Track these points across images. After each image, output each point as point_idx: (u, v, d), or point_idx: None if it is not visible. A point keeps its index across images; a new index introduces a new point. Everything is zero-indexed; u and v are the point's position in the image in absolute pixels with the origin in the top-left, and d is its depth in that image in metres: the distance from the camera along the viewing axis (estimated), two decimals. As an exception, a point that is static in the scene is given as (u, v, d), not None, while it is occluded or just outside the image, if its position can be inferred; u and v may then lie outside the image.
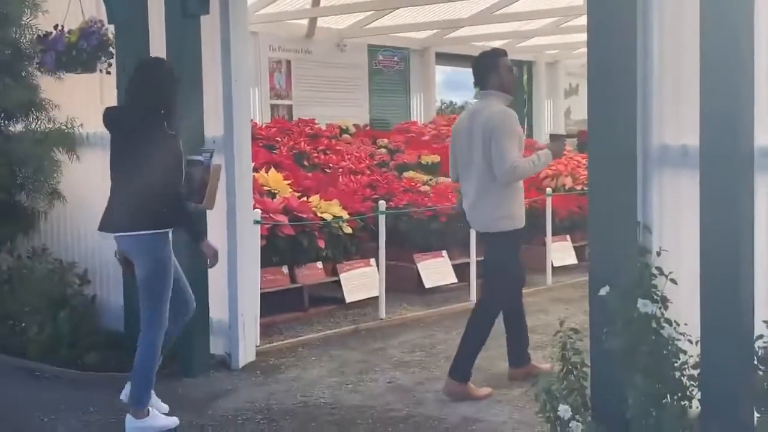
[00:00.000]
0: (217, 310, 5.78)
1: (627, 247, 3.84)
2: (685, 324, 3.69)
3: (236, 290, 5.76)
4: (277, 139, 9.12)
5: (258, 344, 6.02)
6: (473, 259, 7.85)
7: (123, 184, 4.48)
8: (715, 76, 3.49)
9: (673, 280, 3.71)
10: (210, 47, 5.69)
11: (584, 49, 13.33)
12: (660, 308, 3.59)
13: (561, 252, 9.20)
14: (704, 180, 3.55)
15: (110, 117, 4.68)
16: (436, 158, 9.82)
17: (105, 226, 4.57)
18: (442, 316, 7.26)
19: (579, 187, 9.83)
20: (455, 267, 8.22)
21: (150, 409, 4.54)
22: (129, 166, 4.45)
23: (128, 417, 4.51)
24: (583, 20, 11.87)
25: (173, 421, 4.61)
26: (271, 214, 6.70)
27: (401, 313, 7.27)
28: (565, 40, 13.59)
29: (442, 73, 14.18)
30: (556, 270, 8.81)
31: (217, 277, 5.75)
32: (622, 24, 3.92)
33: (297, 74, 10.93)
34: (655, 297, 3.63)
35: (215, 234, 5.69)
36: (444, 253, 8.20)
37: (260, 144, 8.95)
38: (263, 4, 10.39)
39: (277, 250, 6.79)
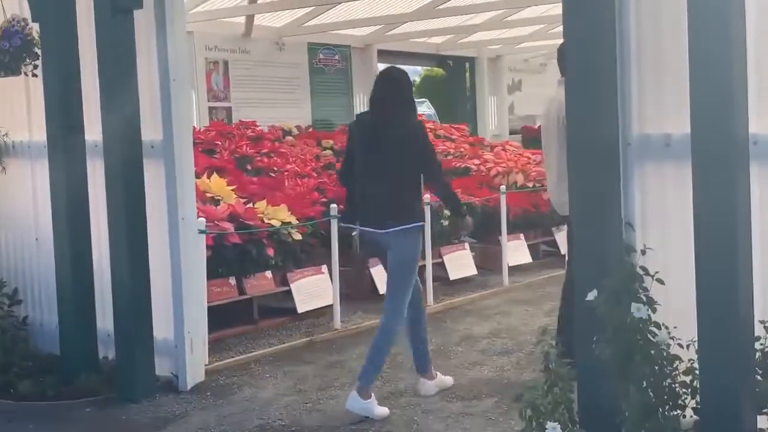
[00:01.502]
0: (162, 328, 5.36)
1: (613, 246, 3.56)
2: (675, 327, 3.43)
3: (182, 306, 5.35)
4: (217, 142, 8.68)
5: (207, 363, 5.62)
6: (429, 261, 7.54)
7: (386, 182, 4.72)
8: (707, 59, 3.21)
9: (659, 280, 3.45)
10: (145, 45, 5.28)
11: (527, 44, 13.17)
12: (649, 311, 3.31)
13: (516, 251, 8.95)
14: (698, 172, 3.28)
15: (364, 122, 4.98)
16: (384, 158, 9.48)
17: (370, 223, 4.82)
18: (400, 324, 6.91)
19: (531, 184, 9.60)
20: (409, 271, 7.89)
21: (372, 394, 4.74)
22: (395, 164, 4.72)
23: (353, 395, 4.69)
24: (526, 14, 11.71)
25: (385, 411, 4.74)
26: (216, 222, 6.28)
27: (357, 322, 6.91)
28: (509, 35, 13.40)
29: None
30: (511, 270, 8.55)
31: (160, 292, 5.35)
32: (598, 3, 3.62)
33: (235, 75, 10.47)
34: (644, 299, 3.36)
35: (156, 246, 5.29)
36: (397, 256, 7.85)
37: (200, 149, 8.49)
38: (197, 2, 9.94)
39: (224, 260, 6.38)
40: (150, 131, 5.33)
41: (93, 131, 5.37)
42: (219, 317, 6.36)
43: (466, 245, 8.62)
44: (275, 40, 11.11)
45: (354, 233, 5.18)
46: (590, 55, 3.64)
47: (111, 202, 5.17)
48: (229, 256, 6.39)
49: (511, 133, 14.65)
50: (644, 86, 3.69)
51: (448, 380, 5.22)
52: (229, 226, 6.34)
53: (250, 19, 10.70)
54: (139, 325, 5.21)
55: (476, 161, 10.08)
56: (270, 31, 11.33)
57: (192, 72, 10.03)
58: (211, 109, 10.14)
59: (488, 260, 9.05)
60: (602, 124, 3.62)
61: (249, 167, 8.45)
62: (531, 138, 13.85)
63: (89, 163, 5.42)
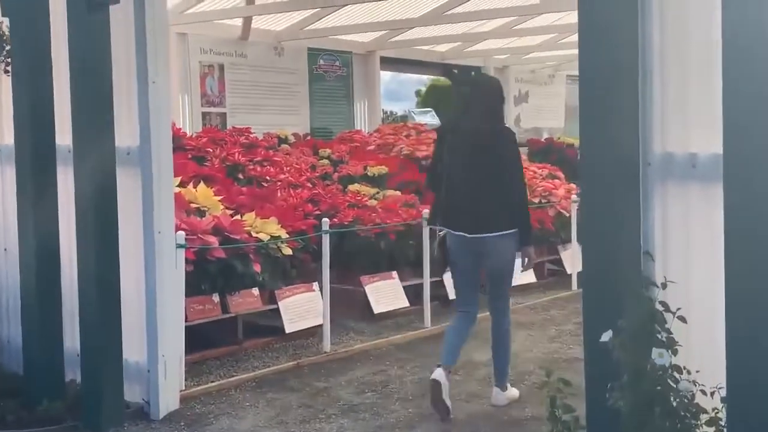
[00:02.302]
0: (133, 350, 4.95)
1: (630, 279, 3.13)
2: (697, 371, 3.02)
3: (156, 326, 4.92)
4: (209, 149, 8.27)
5: (183, 388, 5.20)
6: (427, 279, 7.12)
7: (481, 189, 4.88)
8: (744, 69, 2.79)
9: (681, 318, 3.04)
10: (122, 43, 4.88)
11: (535, 54, 12.63)
12: (671, 357, 2.89)
13: (519, 270, 8.49)
14: (730, 197, 2.85)
15: (458, 128, 5.04)
16: (383, 169, 9.08)
17: (467, 229, 4.92)
18: (395, 347, 6.49)
19: (536, 200, 9.18)
20: (407, 289, 7.48)
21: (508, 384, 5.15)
22: (492, 171, 4.87)
23: (496, 390, 5.11)
24: (537, 22, 11.30)
25: (516, 392, 5.20)
26: (199, 235, 5.87)
27: (348, 345, 6.49)
28: (517, 44, 12.99)
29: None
30: (513, 290, 8.09)
31: (133, 311, 4.93)
32: (620, 12, 3.21)
33: (231, 80, 10.07)
34: (663, 340, 2.94)
35: (130, 261, 4.88)
36: (394, 274, 7.45)
37: (189, 156, 8.09)
38: (192, 3, 9.55)
39: (207, 275, 5.96)
40: (126, 137, 4.93)
41: (66, 135, 4.97)
42: (200, 337, 5.96)
43: (467, 263, 8.19)
44: (274, 44, 10.72)
45: (440, 233, 5.19)
46: (608, 66, 3.23)
47: (80, 212, 4.77)
48: (213, 272, 5.98)
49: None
50: (667, 100, 3.29)
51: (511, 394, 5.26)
52: (213, 240, 5.92)
53: (247, 21, 10.31)
54: (108, 347, 4.79)
55: (480, 174, 9.64)
56: (268, 34, 10.93)
57: (185, 76, 9.64)
58: (204, 114, 9.74)
59: (490, 279, 8.63)
60: (620, 142, 3.21)
61: (240, 176, 8.05)
62: (537, 151, 13.45)
63: (61, 169, 5.01)
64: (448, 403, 4.87)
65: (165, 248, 4.98)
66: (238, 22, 10.35)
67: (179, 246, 5.23)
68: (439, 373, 4.91)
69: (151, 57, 4.84)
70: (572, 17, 11.99)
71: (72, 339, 5.06)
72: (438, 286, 7.64)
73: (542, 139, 14.32)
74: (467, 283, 5.14)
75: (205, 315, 6.00)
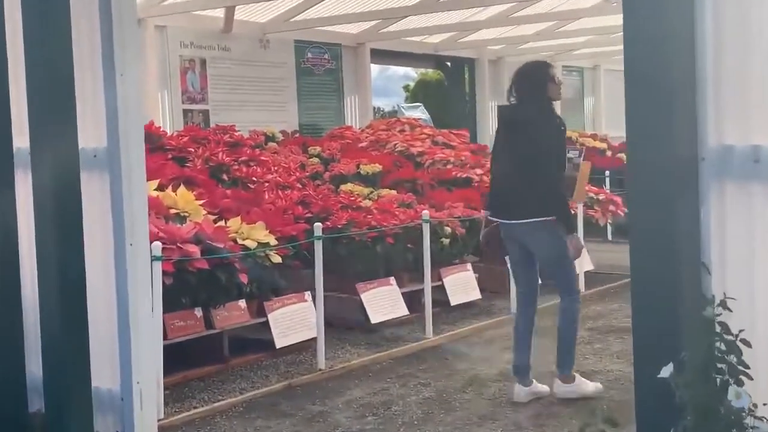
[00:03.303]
0: (104, 376, 4.38)
1: (691, 298, 2.61)
2: (765, 404, 2.51)
3: (129, 350, 4.36)
4: (190, 149, 7.72)
5: (161, 417, 4.66)
6: (428, 284, 6.60)
7: (518, 173, 4.84)
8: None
9: (745, 342, 2.53)
10: (85, 31, 4.31)
11: (531, 44, 11.96)
12: (751, 399, 2.38)
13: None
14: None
15: (504, 114, 5.19)
16: (377, 167, 8.55)
17: (502, 215, 4.97)
18: (395, 361, 5.96)
19: (540, 197, 8.66)
20: (405, 296, 6.96)
21: (576, 374, 4.95)
22: (526, 158, 4.81)
23: (556, 382, 4.93)
24: (534, 9, 10.73)
25: (598, 387, 4.98)
26: (178, 245, 5.33)
27: (345, 359, 5.96)
28: (513, 33, 12.46)
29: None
30: (519, 293, 7.59)
31: (103, 333, 4.37)
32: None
33: (213, 75, 9.49)
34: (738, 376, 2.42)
35: (98, 276, 4.32)
36: (392, 280, 6.92)
37: (169, 156, 7.54)
38: (171, -6, 9.01)
39: (188, 288, 5.42)
40: (91, 137, 4.36)
41: (25, 136, 4.40)
42: (182, 356, 5.44)
43: (469, 266, 7.68)
44: (258, 36, 10.13)
45: (492, 224, 5.16)
46: (659, 56, 2.69)
47: (40, 223, 4.21)
48: (195, 284, 5.43)
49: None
50: (723, 85, 2.77)
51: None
52: (194, 250, 5.38)
53: (230, 12, 9.73)
54: (74, 373, 4.23)
55: (479, 171, 9.13)
56: (253, 26, 10.35)
57: (164, 71, 9.08)
58: (186, 112, 9.17)
59: (492, 282, 8.11)
60: (674, 135, 2.68)
61: (225, 177, 7.50)
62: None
63: (20, 175, 4.45)
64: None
65: (138, 261, 4.41)
66: (221, 13, 9.75)
67: (155, 258, 4.70)
68: (519, 393, 4.95)
69: (118, 46, 4.27)
70: (573, 3, 11.60)
71: (37, 364, 4.50)
72: (438, 292, 7.11)
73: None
74: (517, 265, 5.17)
75: (187, 332, 5.47)
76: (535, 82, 4.93)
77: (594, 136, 13.84)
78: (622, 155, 13.08)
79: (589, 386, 4.99)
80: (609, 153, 13.20)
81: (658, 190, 2.71)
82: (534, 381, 5.04)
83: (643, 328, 2.71)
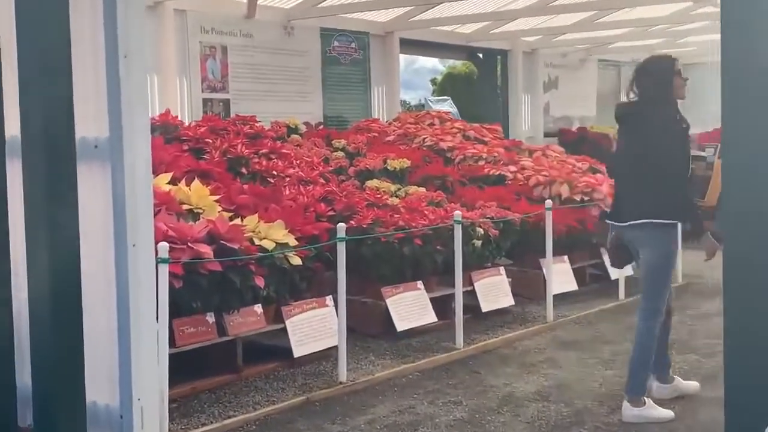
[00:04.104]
0: (102, 391, 3.93)
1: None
2: None
3: (129, 363, 3.91)
4: (208, 141, 7.28)
5: (166, 435, 4.22)
6: (459, 289, 6.11)
7: (632, 174, 4.63)
8: None
9: None
10: (85, 7, 3.86)
11: (568, 36, 11.26)
12: None
13: (560, 277, 7.48)
14: None
15: (623, 112, 4.81)
16: (405, 162, 8.07)
17: (613, 216, 4.79)
18: (422, 375, 5.49)
19: (577, 198, 8.15)
20: (433, 301, 6.48)
21: (646, 399, 4.66)
22: (645, 159, 4.57)
23: (625, 404, 4.63)
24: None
25: (669, 414, 4.65)
26: (189, 244, 4.89)
27: (368, 370, 5.49)
28: (549, 24, 11.92)
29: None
30: (554, 299, 7.09)
31: (101, 343, 3.93)
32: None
33: (235, 62, 9.04)
34: None
35: (97, 279, 3.88)
36: (420, 284, 6.44)
37: (185, 147, 7.12)
38: (192, -23, 8.57)
39: (199, 291, 4.98)
40: (91, 125, 3.90)
41: (14, 123, 3.97)
42: (191, 365, 5.01)
43: (502, 269, 7.18)
44: (283, 23, 9.65)
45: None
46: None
47: (30, 220, 3.78)
48: (206, 287, 4.99)
49: (546, 135, 13.19)
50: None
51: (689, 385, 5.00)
52: (207, 250, 4.93)
53: (253, -3, 9.28)
54: (66, 387, 3.79)
55: (512, 168, 8.64)
56: (277, 12, 9.88)
57: (183, 57, 8.65)
58: (205, 101, 8.73)
59: (526, 287, 7.63)
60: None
61: (244, 171, 7.06)
62: (568, 142, 12.42)
63: (9, 166, 4.02)
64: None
65: (141, 264, 3.96)
66: (244, -2, 9.31)
67: (161, 261, 4.25)
68: (661, 391, 4.89)
69: (121, 24, 3.82)
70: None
71: (28, 375, 4.08)
72: (468, 297, 6.63)
73: (573, 129, 13.30)
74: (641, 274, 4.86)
75: (198, 339, 5.03)
76: (658, 78, 4.62)
77: (631, 134, 13.28)
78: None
79: (660, 412, 4.64)
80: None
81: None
82: (676, 377, 5.01)
83: (737, 388, 2.21)
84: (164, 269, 4.29)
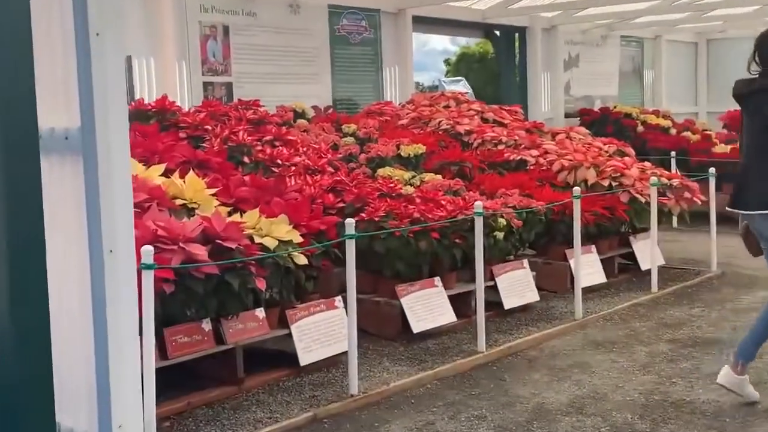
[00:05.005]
0: (77, 415, 3.41)
1: None
2: None
3: (108, 383, 3.42)
4: (207, 127, 6.78)
5: (154, 464, 3.74)
6: (480, 285, 5.60)
7: (753, 159, 4.35)
8: None
9: None
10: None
11: (588, 11, 10.57)
12: None
13: (587, 268, 6.95)
14: None
15: (742, 88, 4.45)
16: (420, 148, 7.54)
17: (735, 204, 4.43)
18: (442, 383, 4.99)
19: (605, 183, 7.61)
20: (451, 298, 5.97)
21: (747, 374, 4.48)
22: (754, 139, 4.35)
23: (725, 369, 4.48)
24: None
25: (756, 395, 4.47)
26: (181, 245, 4.39)
27: (382, 379, 5.00)
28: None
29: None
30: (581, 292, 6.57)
31: (76, 360, 3.44)
32: None
33: (237, 43, 8.50)
34: None
35: (70, 290, 3.38)
36: (437, 281, 5.93)
37: (183, 135, 6.62)
38: (190, -48, 8.03)
39: (194, 297, 4.50)
40: (61, 114, 3.38)
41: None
42: (185, 377, 4.54)
43: (526, 262, 6.66)
44: (288, 1, 9.12)
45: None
46: None
47: (-11, 225, 3.28)
48: (201, 291, 4.50)
49: (567, 116, 12.60)
50: None
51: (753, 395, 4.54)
52: (201, 251, 4.44)
53: (257, -26, 8.72)
54: (33, 410, 3.31)
55: (534, 152, 8.09)
56: (282, -11, 9.32)
57: (182, 38, 8.13)
58: (206, 84, 8.20)
59: (550, 280, 7.12)
60: None
61: (246, 160, 6.55)
62: (590, 122, 11.85)
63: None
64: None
65: (121, 272, 3.46)
66: (246, -25, 8.77)
67: (145, 267, 3.76)
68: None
69: (91, -3, 3.32)
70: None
71: (-2, 397, 3.60)
72: (488, 292, 6.09)
73: (596, 109, 12.72)
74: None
75: (193, 349, 4.55)
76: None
77: (656, 113, 12.69)
78: (688, 133, 11.92)
79: (750, 390, 4.48)
80: (673, 131, 12.06)
81: None
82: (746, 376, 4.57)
83: None
84: (149, 276, 3.79)
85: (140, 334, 3.59)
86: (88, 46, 3.28)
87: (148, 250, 3.82)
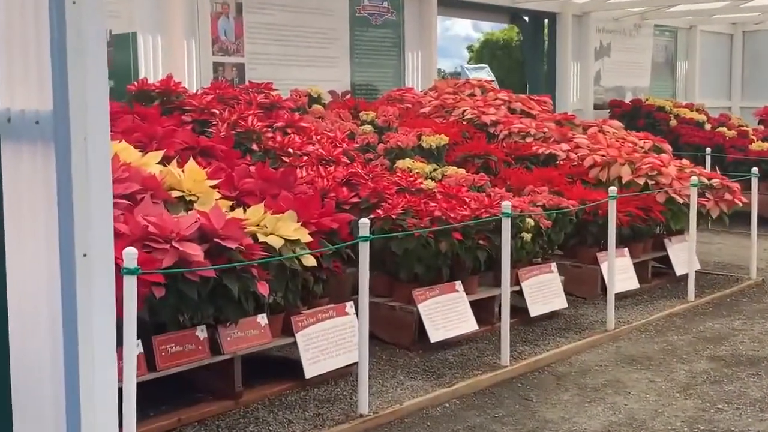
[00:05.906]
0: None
1: None
2: None
3: (78, 406, 2.97)
4: (214, 111, 6.29)
5: (132, 496, 3.28)
6: (506, 292, 5.10)
7: None
8: None
9: None
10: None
11: None
12: None
13: (619, 273, 6.42)
14: None
15: None
16: (443, 139, 7.02)
17: None
18: (461, 403, 4.51)
19: (641, 181, 7.07)
20: (472, 305, 5.48)
21: None
22: None
23: None
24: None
25: None
26: (173, 243, 3.92)
27: (395, 397, 4.51)
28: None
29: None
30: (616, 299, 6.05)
31: (44, 377, 2.99)
32: None
33: (251, 21, 8.00)
34: None
35: (38, 297, 2.93)
36: (458, 285, 5.44)
37: (188, 119, 6.15)
38: (203, -76, 7.53)
39: (187, 302, 4.02)
40: (31, 96, 2.93)
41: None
42: (179, 391, 4.08)
43: (554, 266, 6.15)
44: (306, -21, 8.64)
45: None
46: None
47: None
48: (197, 297, 4.02)
49: (596, 107, 12.04)
50: None
51: None
52: (196, 251, 3.96)
53: (273, -51, 8.22)
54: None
55: (565, 146, 7.56)
56: (300, -33, 8.82)
57: (191, 15, 7.65)
58: (216, 65, 7.72)
59: (579, 284, 6.62)
60: None
61: (255, 147, 6.07)
62: (621, 115, 11.29)
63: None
64: None
65: (96, 278, 3.00)
66: (262, -50, 8.27)
67: (127, 272, 3.29)
68: None
69: (66, -43, 2.83)
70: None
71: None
72: (515, 297, 5.60)
73: (627, 101, 12.14)
74: None
75: (185, 359, 4.08)
76: None
77: (689, 107, 12.11)
78: (723, 129, 11.33)
79: None
80: (708, 126, 11.48)
81: None
82: None
83: None
84: (131, 282, 3.32)
85: (120, 344, 3.13)
86: (63, 17, 2.84)
87: (130, 253, 3.34)
